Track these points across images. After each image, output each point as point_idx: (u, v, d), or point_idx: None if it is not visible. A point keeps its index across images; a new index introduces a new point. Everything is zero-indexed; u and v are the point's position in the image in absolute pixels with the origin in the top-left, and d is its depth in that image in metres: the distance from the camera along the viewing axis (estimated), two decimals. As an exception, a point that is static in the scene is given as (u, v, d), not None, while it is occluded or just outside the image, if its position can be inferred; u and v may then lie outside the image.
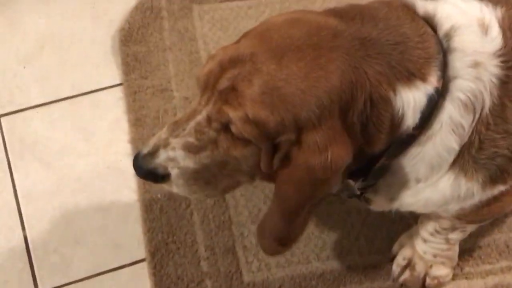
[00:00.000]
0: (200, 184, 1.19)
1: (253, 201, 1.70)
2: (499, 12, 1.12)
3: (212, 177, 1.17)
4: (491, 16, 1.11)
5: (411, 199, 1.24)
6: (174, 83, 1.86)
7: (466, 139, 1.11)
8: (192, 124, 1.12)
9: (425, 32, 1.09)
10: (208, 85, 1.09)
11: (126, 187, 1.73)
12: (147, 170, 1.17)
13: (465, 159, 1.14)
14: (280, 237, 1.21)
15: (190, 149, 1.13)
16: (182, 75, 1.87)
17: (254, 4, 2.02)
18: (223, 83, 1.06)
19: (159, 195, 1.69)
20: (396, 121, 1.08)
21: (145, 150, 1.18)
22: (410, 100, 1.06)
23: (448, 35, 1.09)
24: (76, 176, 1.75)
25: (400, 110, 1.07)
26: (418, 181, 1.19)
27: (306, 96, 1.02)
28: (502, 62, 1.08)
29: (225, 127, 1.09)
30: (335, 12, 1.11)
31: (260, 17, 1.99)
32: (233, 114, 1.05)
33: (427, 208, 1.27)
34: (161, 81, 1.86)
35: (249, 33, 1.12)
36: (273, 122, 1.03)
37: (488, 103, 1.09)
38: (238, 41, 1.12)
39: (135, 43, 1.92)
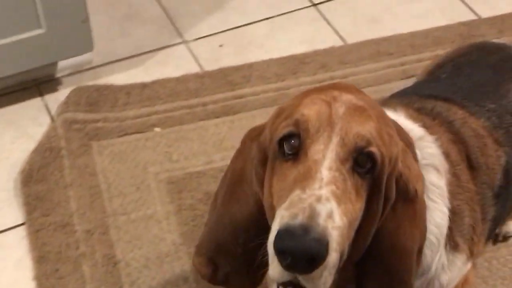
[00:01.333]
0: (340, 257, 1.03)
1: None
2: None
3: (343, 242, 1.03)
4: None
5: None
6: (76, 218, 1.91)
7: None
8: (325, 171, 1.01)
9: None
10: (322, 122, 1.06)
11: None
12: (317, 240, 0.95)
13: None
14: None
15: (338, 199, 1.00)
16: (83, 209, 1.93)
17: (151, 136, 2.13)
18: (340, 110, 1.07)
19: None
20: None
21: (298, 219, 0.96)
22: None
23: None
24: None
25: None
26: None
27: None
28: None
29: (352, 169, 1.04)
30: None
31: (157, 147, 2.10)
32: (367, 130, 1.05)
33: None
34: (63, 217, 1.91)
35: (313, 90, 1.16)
36: (389, 139, 1.10)
37: None
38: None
39: (36, 183, 1.98)
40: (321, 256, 0.95)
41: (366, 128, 1.05)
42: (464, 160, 1.38)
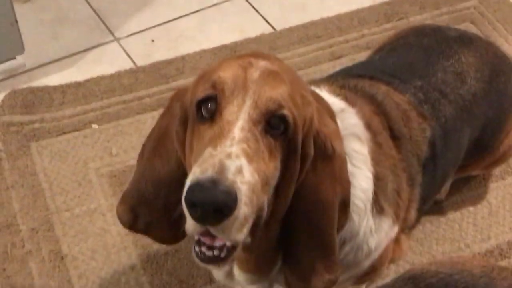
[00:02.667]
0: (251, 212, 1.07)
1: None
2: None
3: (255, 199, 1.07)
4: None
5: None
6: (20, 217, 1.92)
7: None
8: (237, 131, 1.06)
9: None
10: (237, 85, 1.11)
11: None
12: (225, 193, 1.00)
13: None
14: (332, 260, 1.22)
15: (248, 157, 1.05)
16: (26, 209, 1.94)
17: (89, 132, 2.15)
18: (254, 75, 1.12)
19: None
20: None
21: (208, 173, 1.01)
22: None
23: None
24: None
25: None
26: (343, 243, 1.34)
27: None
28: None
29: (265, 129, 1.10)
30: None
31: (96, 143, 2.12)
32: (279, 94, 1.10)
33: (345, 275, 1.39)
34: (6, 218, 1.92)
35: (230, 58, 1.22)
36: (302, 102, 1.16)
37: None
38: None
39: (-24, 187, 1.99)
40: (228, 207, 1.00)
41: (278, 92, 1.11)
42: (386, 129, 1.44)
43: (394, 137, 1.45)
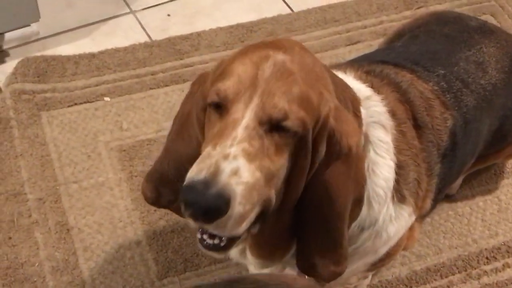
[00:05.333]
0: (249, 210, 1.08)
1: (114, 287, 1.75)
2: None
3: (257, 196, 1.08)
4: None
5: (351, 256, 1.32)
6: (27, 186, 1.92)
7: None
8: (240, 130, 1.07)
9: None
10: (246, 83, 1.10)
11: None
12: (215, 195, 1.02)
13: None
14: (339, 253, 1.22)
15: (249, 156, 1.06)
16: (34, 178, 1.94)
17: (100, 105, 2.14)
18: (266, 73, 1.10)
19: None
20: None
21: (201, 175, 1.03)
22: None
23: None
24: None
25: None
26: (362, 230, 1.34)
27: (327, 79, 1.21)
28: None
29: (271, 128, 1.09)
30: None
31: (106, 116, 2.11)
32: (287, 98, 1.09)
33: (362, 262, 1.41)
34: (14, 186, 1.92)
35: (251, 47, 1.19)
36: (317, 98, 1.13)
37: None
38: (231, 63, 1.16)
39: (-15, 154, 1.98)
40: (219, 210, 1.02)
41: (285, 99, 1.09)
42: (410, 118, 1.44)
43: (417, 126, 1.45)
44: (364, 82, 1.43)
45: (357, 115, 1.29)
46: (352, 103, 1.28)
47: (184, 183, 1.05)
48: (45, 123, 2.08)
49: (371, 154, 1.31)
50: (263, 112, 1.09)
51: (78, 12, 2.45)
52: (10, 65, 2.25)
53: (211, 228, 1.06)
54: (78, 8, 2.47)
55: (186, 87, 2.22)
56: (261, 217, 1.14)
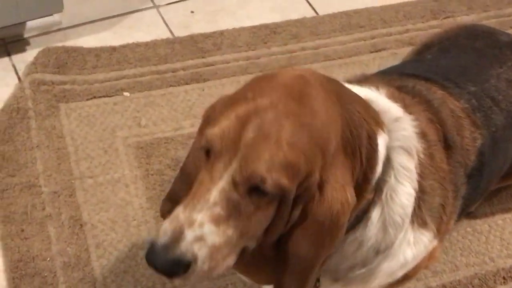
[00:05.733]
0: (219, 263, 1.10)
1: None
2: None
3: (229, 250, 1.10)
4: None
5: (366, 276, 1.32)
6: (42, 179, 1.90)
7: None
8: (215, 192, 1.07)
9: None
10: (227, 143, 1.07)
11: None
12: (172, 261, 1.05)
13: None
14: None
15: (217, 221, 1.06)
16: (50, 171, 1.92)
17: (120, 100, 2.12)
18: (249, 135, 1.05)
19: None
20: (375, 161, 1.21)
21: (163, 239, 1.06)
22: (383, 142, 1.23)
23: None
24: None
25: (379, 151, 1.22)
26: (377, 253, 1.31)
27: (329, 128, 1.11)
28: None
29: (249, 190, 1.07)
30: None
31: (125, 111, 2.09)
32: (266, 165, 1.04)
33: (377, 282, 1.37)
34: (29, 178, 1.90)
35: (249, 90, 1.13)
36: (304, 160, 1.06)
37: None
38: (233, 103, 1.12)
39: (2, 143, 1.96)
40: (177, 273, 1.06)
41: (263, 166, 1.04)
42: (441, 140, 1.40)
43: (447, 147, 1.41)
44: (396, 100, 1.38)
45: (374, 149, 1.23)
46: (368, 140, 1.20)
47: (147, 241, 1.10)
48: (63, 115, 2.06)
49: (392, 180, 1.27)
50: (240, 176, 1.06)
51: (101, 4, 2.43)
52: (30, 54, 2.23)
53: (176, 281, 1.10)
54: (102, 0, 2.45)
55: (206, 86, 2.20)
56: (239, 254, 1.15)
